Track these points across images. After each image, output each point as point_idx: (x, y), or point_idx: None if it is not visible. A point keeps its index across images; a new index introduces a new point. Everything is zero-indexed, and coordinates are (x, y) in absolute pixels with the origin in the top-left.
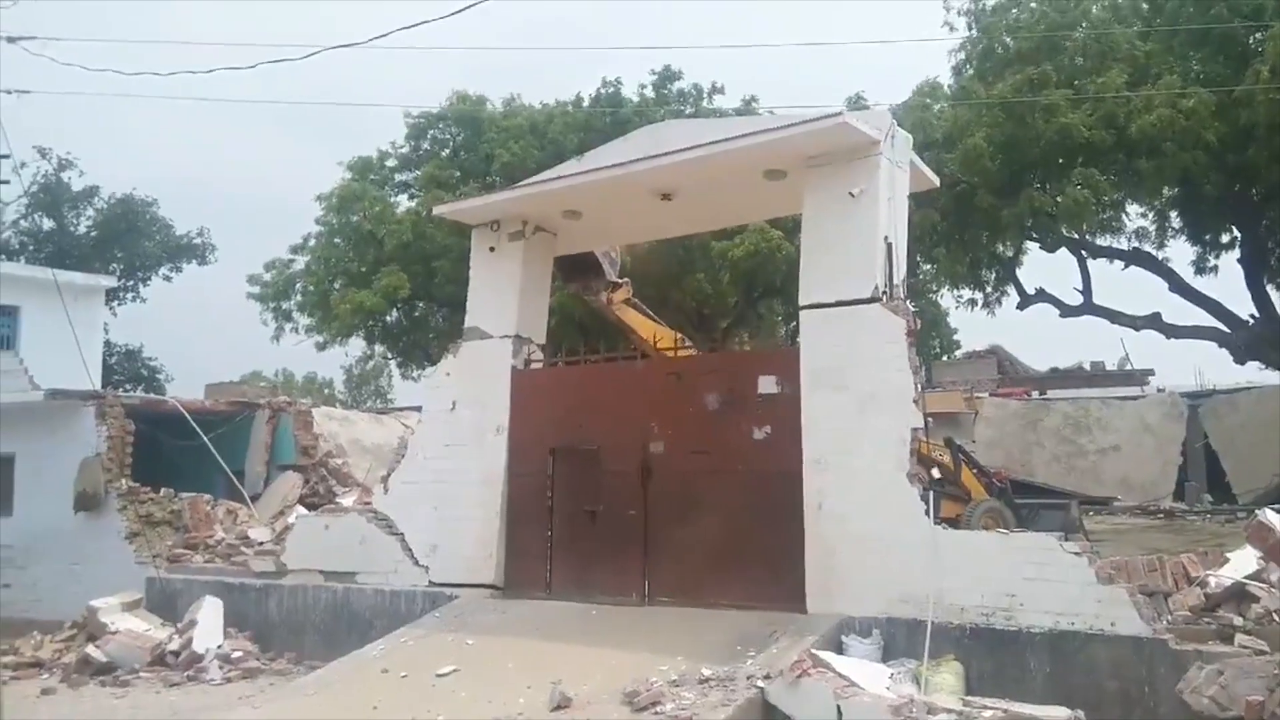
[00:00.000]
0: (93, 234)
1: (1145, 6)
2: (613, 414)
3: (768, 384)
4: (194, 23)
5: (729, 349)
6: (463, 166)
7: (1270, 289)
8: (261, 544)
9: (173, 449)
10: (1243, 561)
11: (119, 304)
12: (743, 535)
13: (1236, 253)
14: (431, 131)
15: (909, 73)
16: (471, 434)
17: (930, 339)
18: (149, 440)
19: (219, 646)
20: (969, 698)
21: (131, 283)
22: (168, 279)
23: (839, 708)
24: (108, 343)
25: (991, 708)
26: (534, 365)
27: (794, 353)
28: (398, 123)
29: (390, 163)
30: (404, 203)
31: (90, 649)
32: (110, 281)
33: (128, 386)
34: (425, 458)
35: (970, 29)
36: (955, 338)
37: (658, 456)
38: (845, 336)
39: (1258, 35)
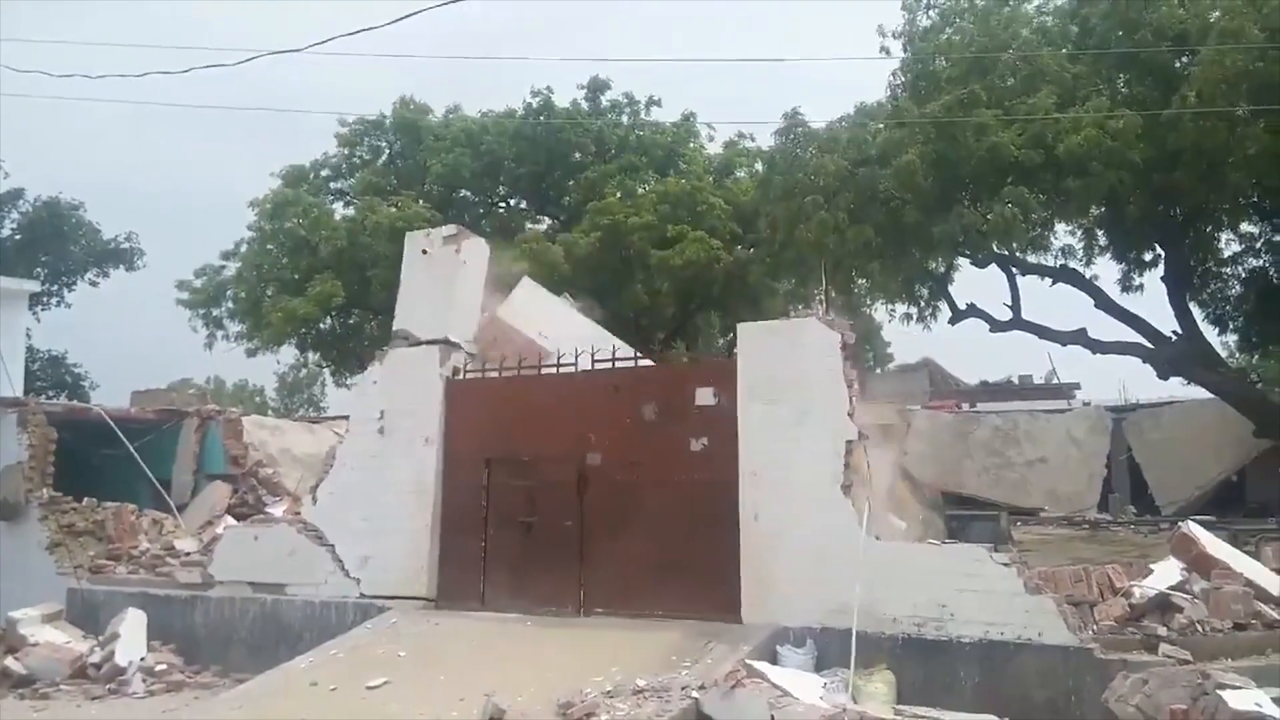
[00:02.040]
0: (16, 237)
1: (1074, 30)
2: (549, 425)
3: (705, 396)
4: (126, 25)
5: (666, 360)
6: (399, 174)
7: (1193, 306)
8: (188, 555)
9: (97, 458)
10: (1166, 572)
11: (43, 309)
12: (679, 546)
13: (1160, 271)
14: (368, 139)
15: (847, 90)
16: (401, 444)
17: (864, 352)
18: (72, 449)
19: (142, 659)
20: (900, 707)
21: (56, 288)
22: (94, 284)
23: (772, 717)
24: (31, 349)
25: (922, 716)
26: (470, 375)
27: (731, 365)
28: (334, 128)
29: (324, 171)
30: (339, 210)
31: (9, 661)
32: (34, 286)
33: (51, 394)
34: (354, 468)
35: (905, 50)
36: (888, 351)
37: (594, 468)
38: (782, 349)
39: (1184, 59)
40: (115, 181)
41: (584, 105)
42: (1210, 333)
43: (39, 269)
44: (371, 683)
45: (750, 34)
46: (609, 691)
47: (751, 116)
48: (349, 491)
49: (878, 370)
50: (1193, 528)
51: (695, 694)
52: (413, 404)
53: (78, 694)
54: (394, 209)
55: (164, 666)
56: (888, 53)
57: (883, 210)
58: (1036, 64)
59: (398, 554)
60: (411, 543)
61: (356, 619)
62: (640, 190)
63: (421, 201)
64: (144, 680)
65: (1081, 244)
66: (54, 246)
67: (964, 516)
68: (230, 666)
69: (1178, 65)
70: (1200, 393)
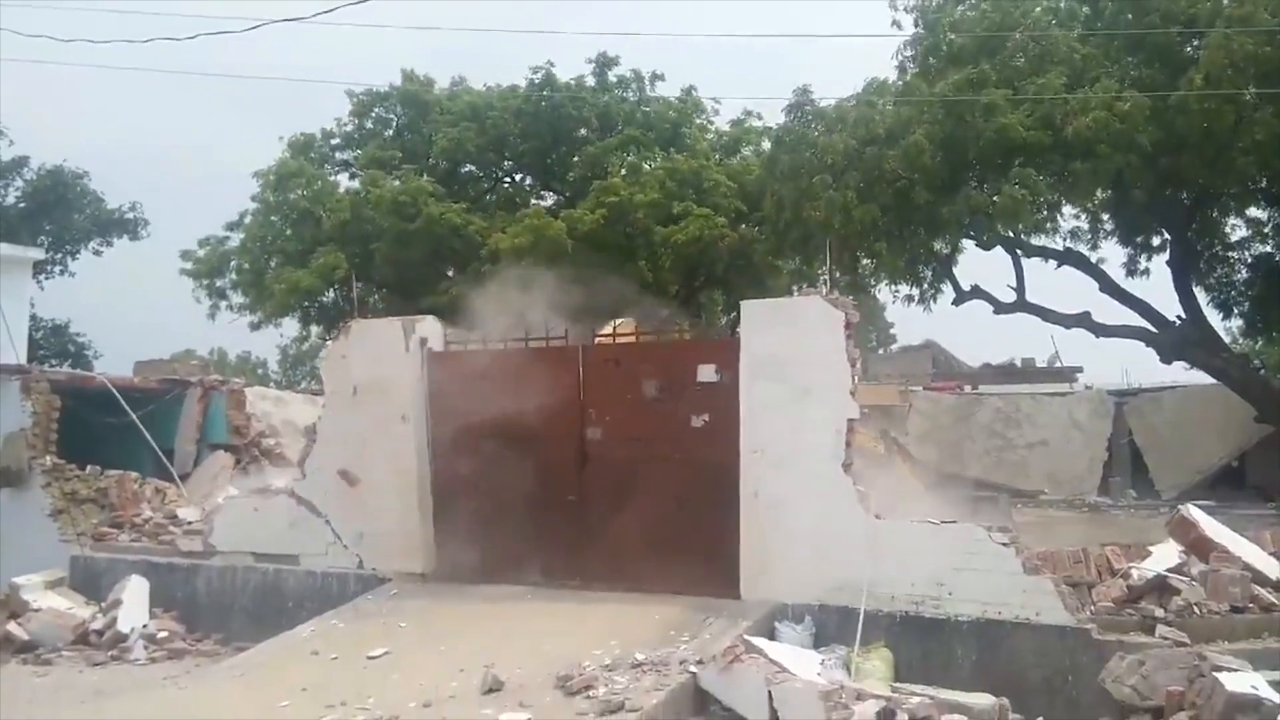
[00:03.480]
0: (21, 205)
1: (1085, 10)
2: (549, 399)
3: (707, 372)
4: None
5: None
6: (405, 148)
7: (1197, 291)
8: (190, 524)
9: (100, 426)
10: (1165, 555)
11: (47, 278)
12: (679, 522)
13: (1166, 255)
14: (376, 110)
15: (858, 71)
16: (377, 421)
17: (868, 333)
18: (76, 417)
19: (144, 626)
20: (897, 684)
21: (60, 256)
22: (98, 253)
23: (770, 693)
24: (35, 317)
25: (919, 694)
26: (459, 347)
27: (734, 342)
28: (342, 99)
29: (334, 140)
30: (344, 182)
31: (12, 626)
32: (38, 254)
33: (54, 362)
34: (336, 443)
35: (916, 25)
36: (892, 332)
37: (595, 443)
38: (785, 327)
39: (1195, 43)
40: (120, 150)
41: (591, 81)
42: (1214, 317)
43: (43, 237)
44: (372, 653)
45: (762, 12)
46: (607, 665)
47: (761, 96)
48: (334, 467)
49: (881, 351)
50: (1192, 511)
51: (693, 668)
52: (384, 380)
53: (80, 660)
54: (397, 182)
55: (166, 634)
56: (899, 26)
57: (890, 190)
58: (1047, 44)
59: (390, 530)
60: (401, 520)
61: (358, 590)
62: (647, 166)
63: (426, 176)
64: (146, 647)
65: (1088, 227)
66: (58, 215)
67: (964, 497)
68: (232, 635)
69: (1188, 49)
70: (1203, 377)
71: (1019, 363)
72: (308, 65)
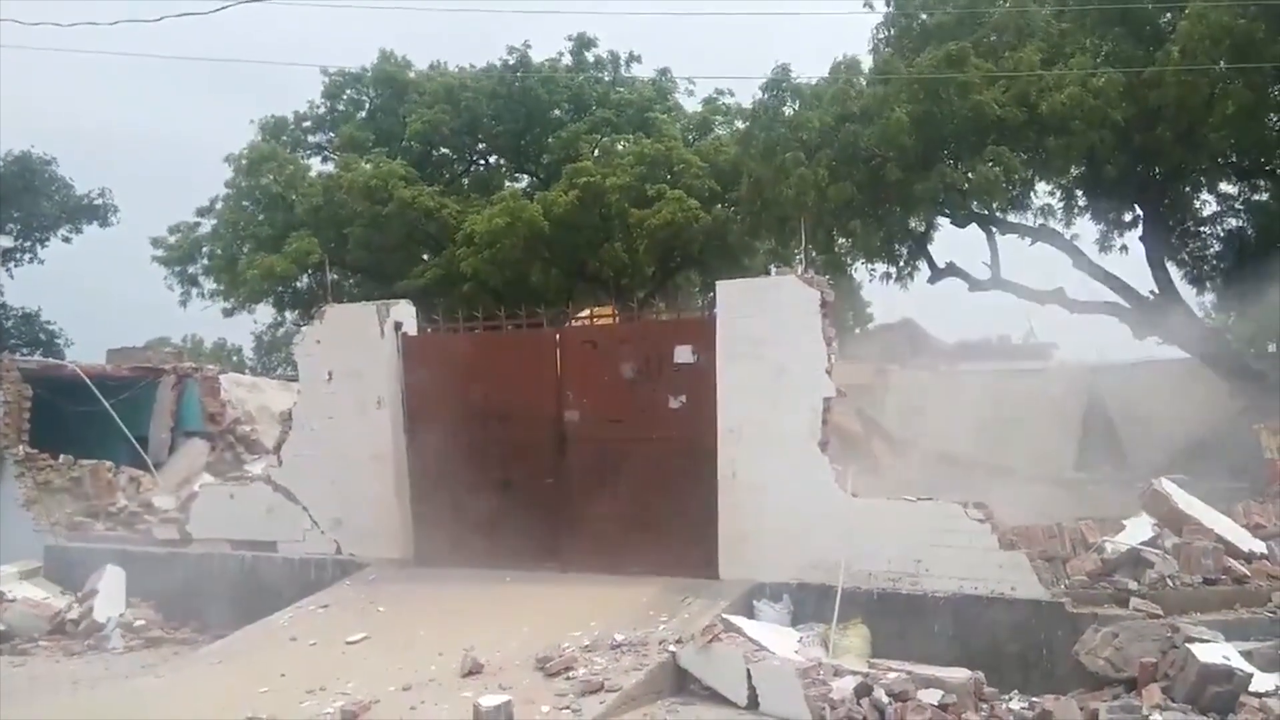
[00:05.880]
0: None
1: None
2: (526, 382)
3: (684, 353)
4: None
5: (646, 318)
6: (378, 130)
7: (1170, 266)
8: (166, 512)
9: (73, 415)
10: (1138, 528)
11: (15, 265)
12: (658, 503)
13: (1139, 231)
14: (348, 92)
15: (829, 51)
16: (352, 406)
17: (845, 311)
18: (48, 406)
19: (121, 615)
20: (875, 660)
21: (29, 244)
22: (67, 240)
23: (749, 671)
24: (3, 305)
25: (895, 670)
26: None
27: (710, 322)
28: (313, 83)
29: (306, 123)
30: (316, 165)
31: None
32: (7, 241)
33: (25, 350)
34: (312, 429)
35: (888, 4)
36: (869, 310)
37: (573, 425)
38: (761, 307)
39: (1168, 16)
40: (88, 135)
41: (569, 61)
42: (1187, 292)
43: (11, 224)
44: (351, 638)
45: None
46: (587, 646)
47: (736, 76)
48: (311, 453)
49: (858, 330)
50: (1165, 484)
51: (672, 648)
52: (359, 365)
53: (56, 651)
54: (369, 166)
55: (143, 622)
56: (870, 7)
57: (864, 168)
58: (1025, 19)
59: (367, 516)
60: (379, 505)
61: (336, 575)
62: (621, 146)
63: (399, 158)
64: (123, 636)
65: (1061, 204)
66: (26, 201)
67: (940, 474)
68: (209, 623)
69: (1163, 21)
70: (1176, 352)
71: (995, 340)
72: (278, 47)
